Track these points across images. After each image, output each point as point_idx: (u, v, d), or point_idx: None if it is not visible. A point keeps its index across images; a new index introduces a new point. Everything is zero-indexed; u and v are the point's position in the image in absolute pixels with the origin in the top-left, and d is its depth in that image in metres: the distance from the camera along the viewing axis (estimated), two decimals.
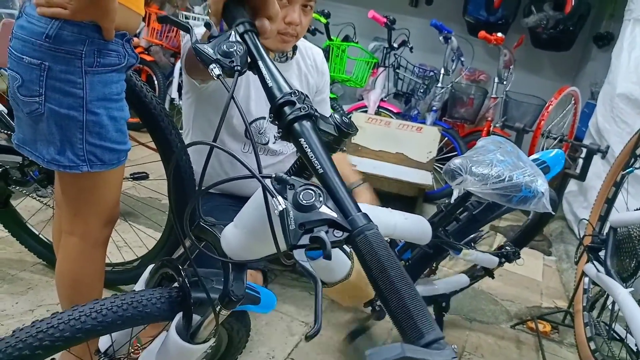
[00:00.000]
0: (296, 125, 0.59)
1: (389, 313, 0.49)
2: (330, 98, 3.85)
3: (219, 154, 1.48)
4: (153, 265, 0.91)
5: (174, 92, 3.56)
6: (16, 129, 1.13)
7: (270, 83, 0.62)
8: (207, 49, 0.62)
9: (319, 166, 0.56)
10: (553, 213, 1.45)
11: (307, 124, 0.59)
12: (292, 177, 0.56)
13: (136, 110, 1.40)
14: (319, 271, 0.91)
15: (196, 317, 0.78)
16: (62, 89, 1.03)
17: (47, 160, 1.08)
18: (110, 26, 1.03)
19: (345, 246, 0.92)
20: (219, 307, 0.75)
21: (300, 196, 0.53)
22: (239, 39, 0.64)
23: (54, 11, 0.99)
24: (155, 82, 3.54)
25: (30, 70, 1.01)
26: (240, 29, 0.66)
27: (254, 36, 0.66)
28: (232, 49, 0.62)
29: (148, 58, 3.59)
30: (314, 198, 0.53)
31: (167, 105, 3.58)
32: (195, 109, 1.48)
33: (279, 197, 0.53)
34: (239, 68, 0.62)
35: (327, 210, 0.52)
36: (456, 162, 1.33)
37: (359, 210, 0.54)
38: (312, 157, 0.57)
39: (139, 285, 0.93)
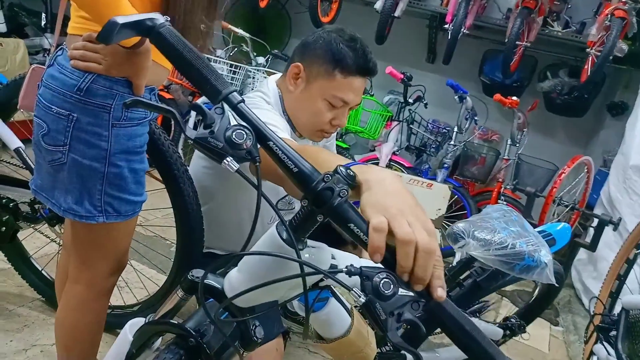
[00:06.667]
0: (341, 211, 0.58)
1: (473, 357, 0.56)
2: (342, 148, 3.86)
3: (242, 222, 1.46)
4: (137, 328, 0.83)
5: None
6: (35, 174, 1.14)
7: (292, 167, 0.60)
8: (215, 142, 0.58)
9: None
10: (556, 285, 1.42)
11: (347, 206, 0.59)
12: (363, 267, 0.57)
13: (152, 157, 1.41)
14: (317, 325, 0.89)
15: None
16: (87, 141, 1.03)
17: (63, 209, 1.08)
18: (142, 83, 1.04)
19: (346, 302, 0.90)
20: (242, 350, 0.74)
21: (382, 287, 0.54)
22: (240, 121, 0.61)
23: (88, 65, 1.00)
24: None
25: (57, 120, 1.02)
26: (233, 101, 0.62)
27: (253, 113, 0.63)
28: (241, 139, 0.59)
29: (167, 96, 3.65)
30: (392, 286, 0.55)
31: (181, 143, 3.61)
32: (214, 179, 1.45)
33: (357, 291, 0.55)
34: (258, 159, 0.60)
35: (405, 292, 0.55)
36: (459, 225, 1.35)
37: None
38: (365, 238, 0.57)
39: (119, 350, 0.84)
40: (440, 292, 0.55)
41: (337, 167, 0.61)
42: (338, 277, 0.57)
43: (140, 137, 1.12)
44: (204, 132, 0.59)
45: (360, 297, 0.54)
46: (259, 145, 0.62)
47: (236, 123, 0.61)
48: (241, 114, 0.62)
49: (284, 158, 0.60)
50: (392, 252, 0.56)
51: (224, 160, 0.58)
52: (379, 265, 0.56)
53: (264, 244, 0.66)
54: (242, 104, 0.62)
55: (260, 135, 0.61)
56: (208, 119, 0.60)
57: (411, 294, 0.55)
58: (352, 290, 0.55)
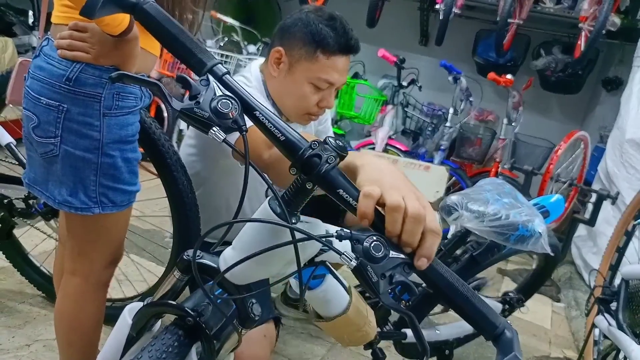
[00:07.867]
0: (329, 178, 0.58)
1: (467, 317, 0.58)
2: (337, 134, 3.85)
3: (230, 209, 1.45)
4: (135, 312, 0.81)
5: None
6: (27, 167, 1.13)
7: (279, 135, 0.60)
8: (201, 112, 0.57)
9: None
10: (552, 254, 1.42)
11: (336, 172, 0.59)
12: (352, 232, 0.57)
13: (144, 146, 1.40)
14: (315, 304, 0.89)
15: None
16: (79, 131, 1.02)
17: (58, 202, 1.07)
18: (132, 71, 1.03)
19: (344, 280, 0.90)
20: (240, 328, 0.75)
21: (372, 250, 0.54)
22: (225, 91, 0.61)
23: (76, 55, 0.98)
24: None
25: (47, 112, 1.01)
26: (218, 73, 0.62)
27: (239, 84, 0.62)
28: (227, 109, 0.58)
29: None
30: (383, 248, 0.54)
31: (175, 136, 3.60)
32: (202, 165, 1.44)
33: (349, 254, 0.55)
34: (245, 128, 0.59)
35: (396, 255, 0.55)
36: (452, 198, 1.35)
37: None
38: (354, 204, 0.57)
39: (119, 334, 0.84)
40: (421, 262, 0.55)
41: (327, 138, 0.61)
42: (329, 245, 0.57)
43: (132, 125, 1.11)
44: (189, 103, 0.58)
45: (351, 260, 0.54)
46: (248, 122, 0.61)
47: (222, 94, 0.60)
48: (227, 85, 0.61)
49: (271, 127, 0.60)
50: (383, 219, 0.56)
51: (210, 130, 0.57)
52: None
53: (258, 214, 0.66)
54: (227, 75, 0.62)
55: (246, 106, 0.60)
56: (193, 90, 0.59)
57: (402, 256, 0.55)
58: (343, 254, 0.54)
